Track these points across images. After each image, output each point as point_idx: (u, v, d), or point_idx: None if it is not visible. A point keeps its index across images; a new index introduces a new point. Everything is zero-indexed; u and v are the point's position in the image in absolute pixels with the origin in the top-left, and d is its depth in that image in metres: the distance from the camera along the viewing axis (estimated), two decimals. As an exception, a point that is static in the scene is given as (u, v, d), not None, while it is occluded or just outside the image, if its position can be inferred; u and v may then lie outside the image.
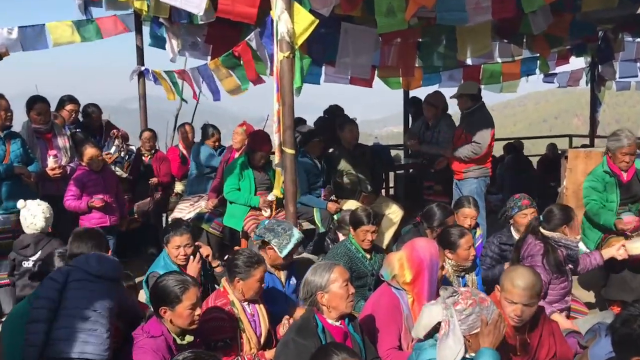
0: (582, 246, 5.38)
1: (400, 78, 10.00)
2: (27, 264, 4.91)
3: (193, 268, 4.50)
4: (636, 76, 11.56)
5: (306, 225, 6.65)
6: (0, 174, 5.47)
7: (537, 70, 10.25)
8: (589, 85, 11.44)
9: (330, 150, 7.45)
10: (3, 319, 4.50)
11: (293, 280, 4.64)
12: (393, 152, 9.83)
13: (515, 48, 9.56)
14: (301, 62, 4.97)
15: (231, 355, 3.76)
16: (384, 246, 6.68)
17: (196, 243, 4.70)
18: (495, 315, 3.06)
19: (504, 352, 3.16)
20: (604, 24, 9.34)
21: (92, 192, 6.01)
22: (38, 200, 5.21)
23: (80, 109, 7.39)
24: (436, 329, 3.12)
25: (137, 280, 4.75)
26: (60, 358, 3.23)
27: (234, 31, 7.90)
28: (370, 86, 9.62)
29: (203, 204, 7.05)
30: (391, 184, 9.86)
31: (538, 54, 9.59)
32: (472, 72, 10.07)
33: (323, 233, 6.32)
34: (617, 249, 4.91)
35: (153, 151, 7.74)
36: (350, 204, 6.70)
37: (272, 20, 4.96)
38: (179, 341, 3.40)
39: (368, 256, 5.04)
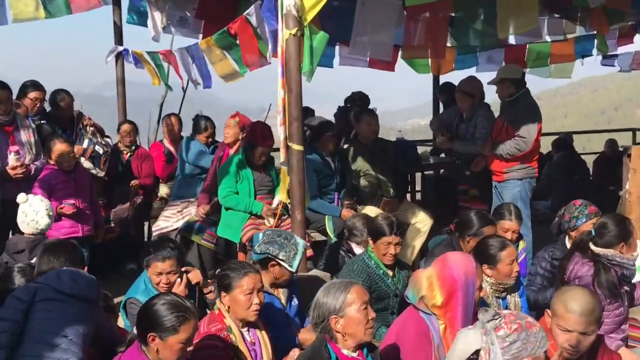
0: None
1: (429, 60, 10.01)
2: None
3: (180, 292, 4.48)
4: None
5: (316, 237, 6.66)
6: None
7: (594, 51, 10.21)
8: (657, 69, 11.39)
9: (345, 146, 7.46)
10: None
11: (295, 301, 4.65)
12: (420, 149, 9.82)
13: (567, 24, 9.53)
14: (311, 40, 4.96)
15: (227, 392, 3.76)
16: (410, 261, 6.68)
17: (183, 268, 4.64)
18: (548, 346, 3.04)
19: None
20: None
21: (61, 196, 6.02)
22: (40, 195, 5.37)
23: (47, 96, 7.41)
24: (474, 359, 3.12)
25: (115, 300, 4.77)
26: None
27: (230, 4, 7.93)
28: (393, 70, 9.64)
29: (193, 211, 7.06)
30: (418, 187, 9.85)
31: (595, 32, 9.56)
32: (515, 53, 10.06)
33: (335, 245, 6.31)
34: None
35: (133, 147, 7.77)
36: (369, 211, 6.69)
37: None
38: None
39: (390, 273, 5.03)
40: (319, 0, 4.86)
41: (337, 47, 9.36)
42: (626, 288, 4.69)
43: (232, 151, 6.96)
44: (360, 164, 7.19)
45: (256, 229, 6.06)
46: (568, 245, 5.26)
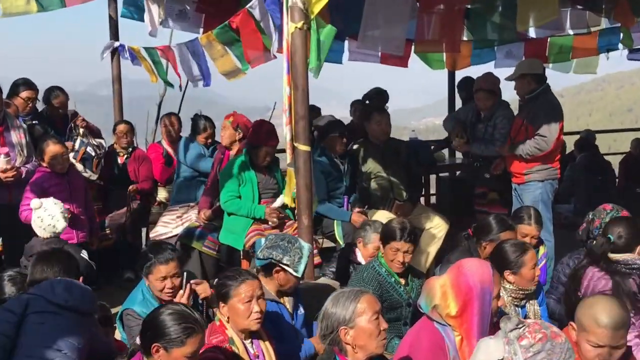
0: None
1: (444, 55, 9.99)
2: None
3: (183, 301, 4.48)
4: None
5: (325, 243, 6.66)
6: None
7: (620, 45, 10.18)
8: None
9: (355, 146, 7.46)
10: None
11: (301, 310, 4.65)
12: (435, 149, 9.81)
13: (591, 16, 9.49)
14: (319, 34, 4.97)
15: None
16: (425, 269, 6.67)
17: (192, 281, 4.64)
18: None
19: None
20: None
21: (54, 200, 6.02)
22: (52, 198, 5.49)
23: (40, 95, 7.42)
24: None
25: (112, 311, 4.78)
26: None
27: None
28: (406, 65, 9.62)
29: (193, 217, 7.07)
30: (433, 190, 9.85)
31: (619, 24, 9.53)
32: (535, 47, 10.02)
33: (345, 252, 6.31)
34: None
35: (130, 149, 7.78)
36: (380, 215, 6.69)
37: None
38: None
39: (402, 282, 5.03)
40: (326, -9, 4.87)
41: (346, 42, 9.34)
42: None
43: (232, 153, 6.95)
44: (370, 166, 7.19)
45: (260, 234, 6.06)
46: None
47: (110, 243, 7.10)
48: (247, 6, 6.34)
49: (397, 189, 7.23)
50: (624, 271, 4.54)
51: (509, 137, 7.20)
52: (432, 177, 9.74)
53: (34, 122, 7.08)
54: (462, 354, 3.68)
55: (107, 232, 7.16)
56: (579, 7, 9.35)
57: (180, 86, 8.54)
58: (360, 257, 5.79)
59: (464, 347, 3.67)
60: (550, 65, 10.30)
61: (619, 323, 3.40)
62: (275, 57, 6.72)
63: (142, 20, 8.33)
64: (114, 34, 8.53)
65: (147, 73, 8.44)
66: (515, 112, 7.35)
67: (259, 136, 6.45)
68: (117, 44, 8.45)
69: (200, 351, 3.70)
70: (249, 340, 3.95)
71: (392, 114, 7.62)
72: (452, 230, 7.05)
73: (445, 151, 10.22)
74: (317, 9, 4.89)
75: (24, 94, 7.16)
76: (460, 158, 9.60)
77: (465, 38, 9.61)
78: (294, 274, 4.42)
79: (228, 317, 3.89)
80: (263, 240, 4.68)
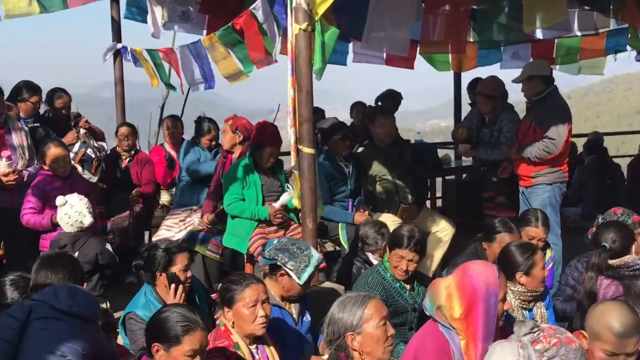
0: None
1: (450, 56, 10.00)
2: None
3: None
4: None
5: (329, 247, 6.65)
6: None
7: (628, 47, 10.18)
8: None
9: (360, 149, 7.46)
10: None
11: (307, 317, 4.64)
12: (441, 152, 9.82)
13: (599, 17, 9.49)
14: (323, 36, 4.97)
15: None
16: (431, 273, 6.66)
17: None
18: None
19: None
20: None
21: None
22: (76, 194, 5.68)
23: (43, 97, 7.42)
24: None
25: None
26: None
27: (236, -3, 7.95)
28: (411, 67, 9.64)
29: (196, 220, 7.07)
30: (439, 194, 9.84)
31: (627, 25, 9.53)
32: (542, 48, 10.05)
33: (349, 255, 6.30)
34: None
35: (132, 152, 7.78)
36: (386, 219, 6.69)
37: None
38: None
39: (408, 287, 5.02)
40: (330, -7, 4.87)
41: (350, 44, 9.36)
42: None
43: (235, 156, 6.95)
44: (375, 169, 7.18)
45: (264, 238, 6.06)
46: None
47: (112, 247, 7.07)
48: (251, 8, 6.34)
49: (403, 192, 7.22)
50: (630, 274, 4.54)
51: (516, 139, 7.19)
52: (439, 180, 9.72)
53: (35, 124, 7.08)
54: (467, 358, 3.66)
55: (110, 236, 7.15)
56: (586, 8, 9.34)
57: (182, 89, 8.54)
58: (374, 260, 5.78)
59: (471, 351, 3.65)
60: (558, 66, 10.30)
61: (633, 330, 3.40)
62: (276, 60, 6.72)
63: (145, 21, 8.34)
64: (117, 35, 8.53)
65: (148, 76, 8.44)
66: (522, 114, 7.35)
67: (262, 137, 6.45)
68: (119, 45, 8.45)
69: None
70: (254, 346, 3.94)
71: (397, 115, 7.63)
72: (458, 233, 7.05)
73: (452, 153, 10.23)
74: (321, 10, 4.89)
75: (34, 99, 7.15)
76: (466, 161, 9.59)
77: (471, 39, 9.61)
78: (297, 280, 4.40)
79: (233, 322, 3.88)
80: (275, 240, 4.68)
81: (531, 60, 9.76)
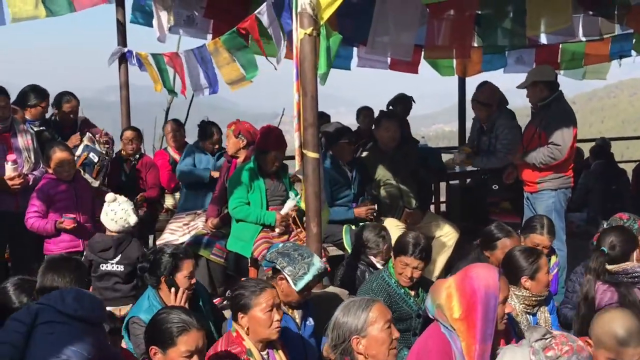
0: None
1: (454, 61, 10.00)
2: (106, 267, 5.59)
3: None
4: None
5: (333, 251, 6.64)
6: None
7: (633, 52, 10.16)
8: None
9: (364, 154, 7.46)
10: None
11: (310, 321, 4.63)
12: (445, 157, 9.80)
13: (604, 23, 9.48)
14: (327, 41, 4.97)
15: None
16: (435, 277, 6.64)
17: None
18: None
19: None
20: None
21: (61, 207, 6.03)
22: (123, 196, 5.82)
23: (51, 100, 7.43)
24: None
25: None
26: None
27: (241, 2, 7.95)
28: (416, 72, 9.64)
29: (200, 224, 7.07)
30: (443, 198, 9.82)
31: (632, 31, 9.51)
32: (547, 53, 10.04)
33: (351, 260, 6.28)
34: None
35: (137, 155, 7.79)
36: (389, 224, 6.69)
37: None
38: None
39: (412, 293, 5.01)
40: (335, -2, 4.87)
41: (355, 49, 9.36)
42: None
43: (240, 160, 6.96)
44: (380, 173, 7.18)
45: (268, 242, 6.07)
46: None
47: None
48: (256, 12, 6.34)
49: (407, 196, 7.22)
50: (628, 281, 4.54)
51: (512, 148, 7.22)
52: (443, 185, 9.71)
53: (41, 128, 7.09)
54: (469, 359, 3.66)
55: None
56: (591, 13, 9.33)
57: (184, 94, 8.55)
58: (378, 264, 5.77)
59: (470, 353, 3.64)
60: (562, 71, 10.29)
61: (638, 338, 3.39)
62: (275, 68, 6.73)
63: (150, 25, 8.34)
64: (122, 39, 8.53)
65: (152, 81, 8.44)
66: (527, 120, 7.33)
67: (267, 141, 6.45)
68: (124, 49, 8.45)
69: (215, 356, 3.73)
70: (265, 351, 3.94)
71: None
72: (462, 238, 7.05)
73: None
74: (326, 15, 4.89)
75: (41, 104, 7.16)
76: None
77: (475, 44, 9.61)
78: (293, 287, 4.39)
79: (248, 328, 3.86)
80: (280, 244, 4.68)
81: (535, 65, 9.75)
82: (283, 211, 6.28)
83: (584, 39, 9.99)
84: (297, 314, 4.57)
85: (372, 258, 5.82)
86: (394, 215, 7.07)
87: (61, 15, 7.84)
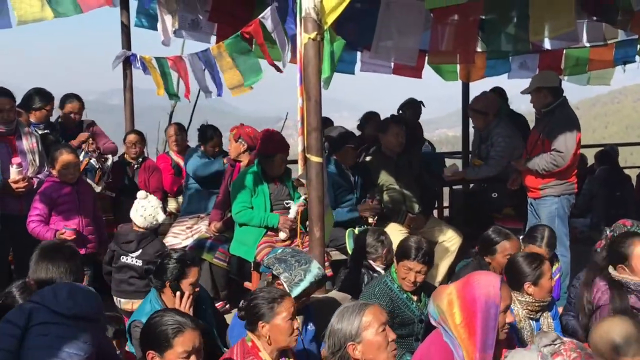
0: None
1: (458, 66, 10.00)
2: (126, 260, 5.81)
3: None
4: None
5: (335, 256, 6.64)
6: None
7: (637, 58, 10.16)
8: None
9: (368, 158, 7.46)
10: None
11: (311, 326, 4.63)
12: (448, 162, 9.81)
13: (608, 28, 9.48)
14: (331, 45, 4.98)
15: None
16: (437, 283, 6.65)
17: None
18: None
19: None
20: None
21: (63, 210, 6.02)
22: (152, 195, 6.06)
23: (57, 103, 7.45)
24: None
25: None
26: None
27: (246, 6, 7.95)
28: (420, 77, 9.63)
29: (203, 228, 7.08)
30: (446, 203, 9.83)
31: (637, 36, 9.51)
32: (550, 58, 10.03)
33: (353, 264, 6.27)
34: None
35: (140, 159, 7.79)
36: (392, 229, 6.69)
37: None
38: None
39: (415, 298, 5.01)
40: (340, 2, 4.87)
41: (358, 54, 9.37)
42: None
43: (243, 164, 6.97)
44: (383, 178, 7.19)
45: (271, 246, 6.07)
46: (611, 269, 5.23)
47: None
48: (260, 17, 6.35)
49: (410, 201, 7.22)
50: (626, 289, 4.56)
51: (506, 155, 7.27)
52: (446, 190, 9.71)
53: (46, 131, 7.09)
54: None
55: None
56: (595, 19, 9.33)
57: (187, 98, 8.56)
58: (378, 267, 5.77)
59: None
60: (566, 77, 10.29)
61: (636, 348, 3.39)
62: (282, 71, 6.73)
63: (154, 29, 8.35)
64: (126, 42, 8.54)
65: (155, 85, 8.46)
66: (531, 125, 7.34)
67: (271, 145, 6.45)
68: (129, 53, 8.46)
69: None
70: None
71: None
72: (465, 243, 7.05)
73: (459, 163, 10.22)
74: (330, 19, 4.90)
75: (46, 107, 7.17)
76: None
77: (479, 49, 9.61)
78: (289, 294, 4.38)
79: (269, 337, 3.82)
80: (280, 249, 4.68)
81: (539, 70, 9.75)
82: (291, 216, 6.27)
83: (587, 44, 9.99)
84: (298, 319, 4.57)
85: (372, 262, 5.83)
86: (397, 219, 7.06)
87: (68, 16, 7.81)
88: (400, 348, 4.89)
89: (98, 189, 7.13)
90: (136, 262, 5.77)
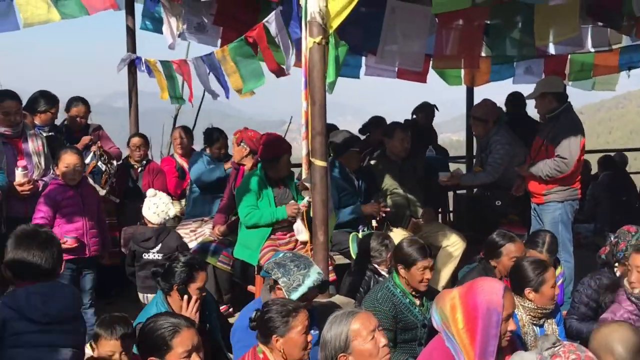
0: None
1: (462, 71, 10.00)
2: (147, 256, 6.03)
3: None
4: None
5: (339, 260, 6.63)
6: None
7: (642, 63, 10.16)
8: None
9: (372, 162, 7.46)
10: None
11: (314, 330, 4.61)
12: (452, 167, 9.80)
13: (613, 33, 9.48)
14: (336, 50, 4.99)
15: None
16: (440, 287, 6.63)
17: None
18: None
19: None
20: None
21: (67, 213, 6.01)
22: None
23: (62, 106, 7.46)
24: None
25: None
26: None
27: (251, 9, 7.96)
28: (424, 81, 9.64)
29: (207, 231, 7.07)
30: (450, 209, 9.82)
31: (641, 42, 9.52)
32: (555, 63, 10.03)
33: (356, 268, 6.26)
34: None
35: (144, 162, 7.79)
36: (396, 233, 6.68)
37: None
38: None
39: (417, 302, 5.00)
40: (345, 6, 4.88)
41: (363, 58, 9.38)
42: None
43: (247, 167, 6.96)
44: (388, 182, 7.18)
45: (275, 250, 6.06)
46: (618, 274, 5.23)
47: (117, 261, 7.00)
48: (264, 21, 6.36)
49: (414, 206, 7.22)
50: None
51: (503, 163, 7.30)
52: (450, 195, 9.70)
53: (51, 133, 7.10)
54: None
55: (116, 250, 7.08)
56: (600, 24, 9.33)
57: (191, 102, 8.56)
58: (382, 271, 5.76)
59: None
60: (570, 82, 10.29)
61: (636, 351, 3.38)
62: (289, 73, 6.74)
63: (159, 32, 8.36)
64: (132, 45, 8.55)
65: (159, 88, 8.47)
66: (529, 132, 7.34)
67: (276, 147, 6.42)
68: (134, 56, 8.48)
69: None
70: None
71: (408, 129, 7.62)
72: (469, 248, 7.03)
73: (463, 167, 10.22)
74: (335, 23, 4.91)
75: (51, 110, 7.18)
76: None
77: (484, 54, 9.61)
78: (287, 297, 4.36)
79: (283, 350, 3.80)
80: (281, 253, 4.68)
81: (543, 75, 9.75)
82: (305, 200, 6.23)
83: (592, 49, 9.98)
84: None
85: (376, 266, 5.82)
86: (400, 224, 7.06)
87: (74, 17, 7.86)
88: (404, 353, 4.89)
89: (102, 192, 7.13)
90: (157, 256, 5.98)
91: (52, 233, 4.14)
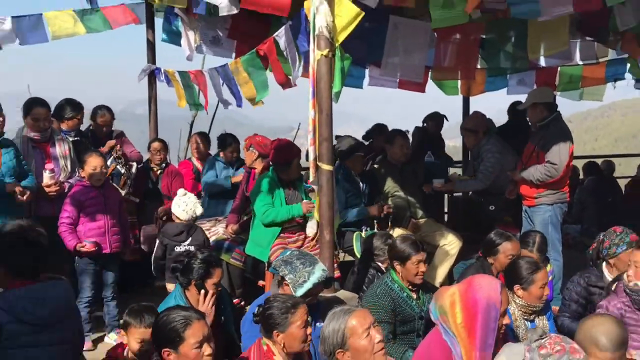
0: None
1: (459, 82, 10.00)
2: (180, 249, 6.05)
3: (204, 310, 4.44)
4: None
5: (344, 257, 6.63)
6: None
7: (628, 75, 10.13)
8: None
9: (375, 166, 7.46)
10: None
11: (320, 324, 4.61)
12: (450, 171, 9.79)
13: (600, 47, 9.47)
14: (342, 62, 5.00)
15: None
16: (438, 283, 6.63)
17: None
18: None
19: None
20: None
21: (91, 212, 6.03)
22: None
23: (88, 113, 7.49)
24: None
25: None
26: None
27: (263, 24, 7.97)
28: (423, 91, 9.63)
29: (220, 230, 7.09)
30: (446, 210, 9.80)
31: (626, 55, 9.49)
32: (546, 75, 10.01)
33: (361, 265, 6.25)
34: None
35: (163, 164, 7.81)
36: (397, 233, 6.68)
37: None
38: None
39: (414, 296, 5.00)
40: (350, 22, 4.89)
41: (366, 69, 9.39)
42: None
43: (258, 170, 6.98)
44: (389, 185, 7.19)
45: (284, 247, 6.06)
46: (606, 272, 5.21)
47: (138, 257, 7.02)
48: (275, 35, 6.37)
49: (414, 207, 7.21)
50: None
51: (494, 170, 7.30)
52: (446, 197, 9.68)
53: (77, 138, 7.11)
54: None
55: (137, 247, 7.10)
56: (587, 38, 9.33)
57: (206, 110, 8.60)
58: (383, 267, 5.75)
59: (469, 359, 3.62)
60: (559, 93, 10.28)
61: (619, 344, 3.38)
62: (295, 84, 6.75)
63: (178, 44, 8.38)
64: (152, 56, 8.58)
65: (177, 97, 8.49)
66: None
67: (288, 152, 6.41)
68: (154, 66, 8.50)
69: None
70: None
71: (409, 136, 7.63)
72: (465, 247, 7.02)
73: (460, 172, 10.20)
74: (342, 37, 4.93)
75: (79, 116, 7.19)
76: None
77: (479, 66, 9.61)
78: (293, 293, 4.36)
79: (284, 344, 3.79)
80: (288, 251, 4.68)
81: (535, 86, 9.73)
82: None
83: (581, 62, 9.98)
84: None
85: (380, 264, 5.82)
86: (400, 224, 7.06)
87: (98, 32, 7.91)
88: (403, 344, 4.88)
89: (122, 193, 7.15)
90: (189, 248, 6.00)
91: (40, 232, 3.86)
